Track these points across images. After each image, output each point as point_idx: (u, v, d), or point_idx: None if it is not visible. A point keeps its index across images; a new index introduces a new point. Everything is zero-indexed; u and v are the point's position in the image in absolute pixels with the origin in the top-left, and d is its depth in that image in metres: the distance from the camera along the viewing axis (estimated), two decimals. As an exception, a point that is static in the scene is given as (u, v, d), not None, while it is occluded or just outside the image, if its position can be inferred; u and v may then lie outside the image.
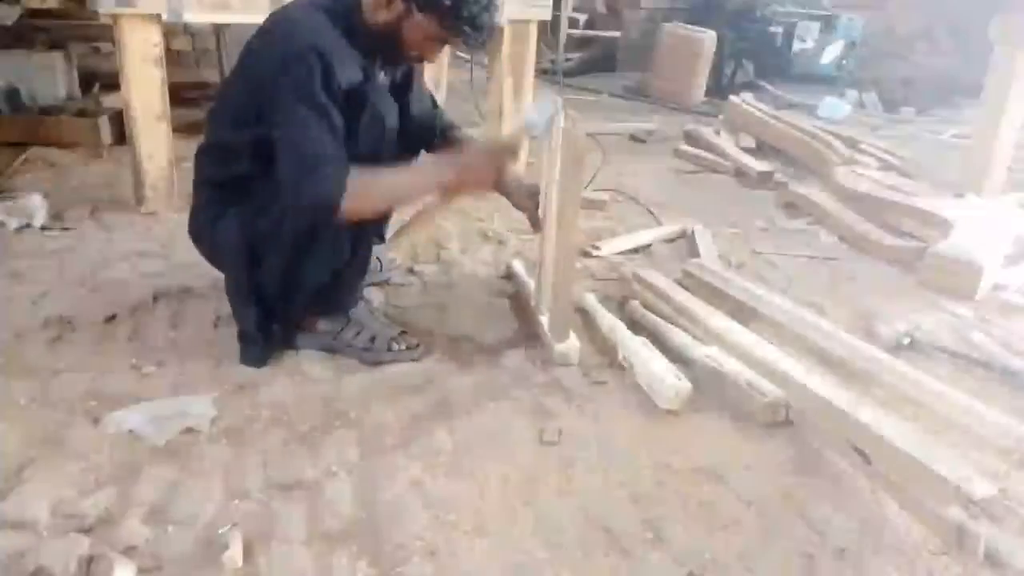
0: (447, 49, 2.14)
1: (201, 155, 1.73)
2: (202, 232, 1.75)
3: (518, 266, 2.22)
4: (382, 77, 1.73)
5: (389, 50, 1.66)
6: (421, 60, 1.73)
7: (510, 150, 1.81)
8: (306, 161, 1.51)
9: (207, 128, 1.73)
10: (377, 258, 2.07)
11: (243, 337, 1.72)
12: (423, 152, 1.95)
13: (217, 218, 1.68)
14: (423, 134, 1.91)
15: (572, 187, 1.67)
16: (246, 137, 1.61)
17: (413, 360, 1.76)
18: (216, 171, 1.70)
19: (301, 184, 1.51)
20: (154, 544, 1.18)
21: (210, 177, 1.71)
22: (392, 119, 1.67)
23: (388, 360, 1.75)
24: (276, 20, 1.63)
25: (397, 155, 1.70)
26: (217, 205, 1.69)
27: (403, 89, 1.83)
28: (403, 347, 1.77)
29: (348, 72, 1.54)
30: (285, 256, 1.63)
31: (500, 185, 1.86)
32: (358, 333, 1.77)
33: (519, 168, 2.01)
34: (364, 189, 1.55)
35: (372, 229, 1.82)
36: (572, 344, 1.79)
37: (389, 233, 2.11)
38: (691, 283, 2.13)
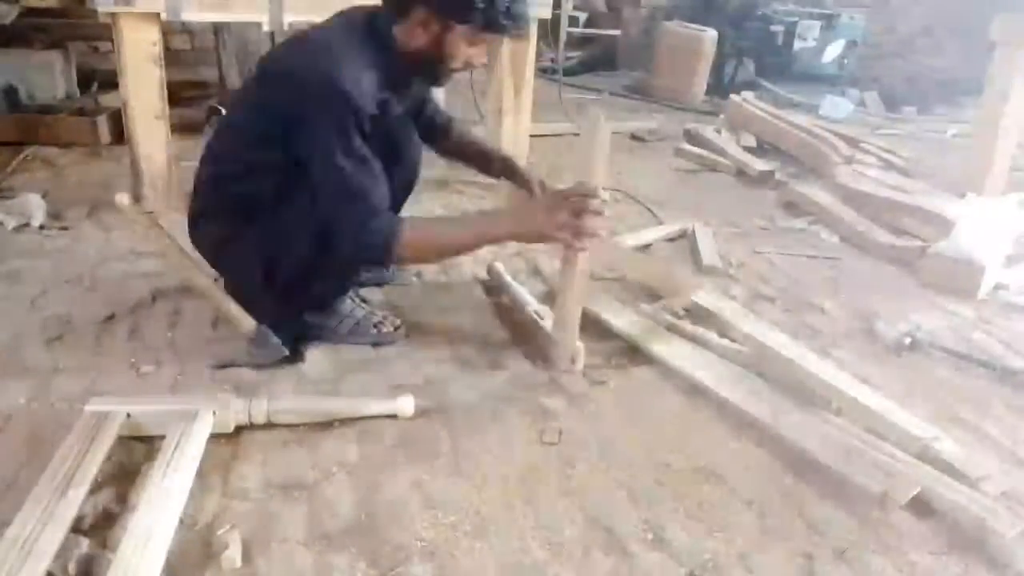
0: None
1: (211, 167, 1.71)
2: (209, 247, 1.77)
3: (500, 267, 2.20)
4: (398, 110, 1.73)
5: (431, 71, 1.66)
6: (468, 68, 1.71)
7: (575, 204, 1.55)
8: (356, 214, 1.54)
9: (221, 140, 1.72)
10: None
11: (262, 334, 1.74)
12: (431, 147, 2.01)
13: (227, 240, 1.69)
14: (429, 135, 1.98)
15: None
16: (268, 157, 1.60)
17: (394, 341, 1.82)
18: (229, 187, 1.67)
19: (355, 236, 1.55)
20: (153, 545, 1.18)
21: (221, 191, 1.69)
22: (415, 150, 1.70)
23: (371, 342, 1.80)
24: (308, 46, 1.57)
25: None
26: (226, 224, 1.69)
27: (419, 108, 1.90)
28: (386, 329, 1.82)
29: (369, 109, 1.54)
30: (298, 273, 1.65)
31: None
32: (341, 322, 1.80)
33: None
34: (417, 239, 1.58)
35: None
36: (578, 347, 1.75)
37: None
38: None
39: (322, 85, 1.47)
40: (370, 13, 1.63)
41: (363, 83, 1.51)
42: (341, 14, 1.65)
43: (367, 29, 1.59)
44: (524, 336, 1.90)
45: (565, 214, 1.55)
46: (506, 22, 1.55)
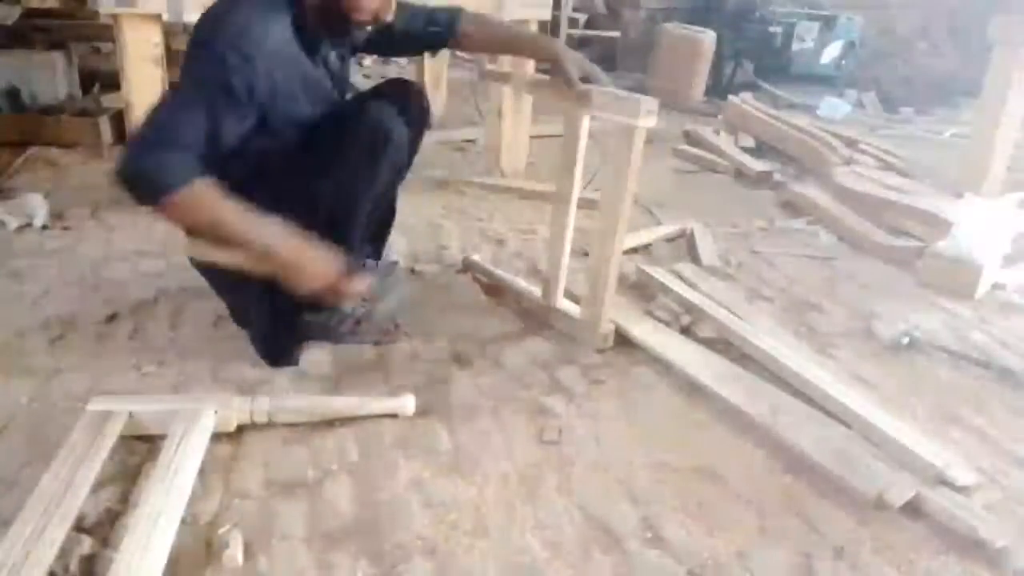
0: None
1: None
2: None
3: (477, 257, 2.26)
4: (333, 58, 1.69)
5: (338, 26, 1.56)
6: (376, 21, 1.58)
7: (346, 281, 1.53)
8: (160, 136, 1.39)
9: None
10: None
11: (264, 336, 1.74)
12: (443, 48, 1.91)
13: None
14: (427, 39, 1.86)
15: (619, 183, 1.82)
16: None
17: (394, 341, 1.83)
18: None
19: (144, 155, 1.38)
20: (155, 543, 1.19)
21: None
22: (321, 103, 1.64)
23: (372, 341, 1.81)
24: (205, 19, 1.49)
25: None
26: None
27: (379, 42, 1.78)
28: (386, 328, 1.83)
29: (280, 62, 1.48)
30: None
31: (552, 56, 1.77)
32: (341, 321, 1.80)
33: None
34: (200, 200, 1.40)
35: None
36: (608, 327, 1.84)
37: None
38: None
39: (211, 38, 1.43)
40: None
41: (264, 34, 1.44)
42: None
43: None
44: (540, 323, 1.96)
45: (335, 278, 1.50)
46: None
